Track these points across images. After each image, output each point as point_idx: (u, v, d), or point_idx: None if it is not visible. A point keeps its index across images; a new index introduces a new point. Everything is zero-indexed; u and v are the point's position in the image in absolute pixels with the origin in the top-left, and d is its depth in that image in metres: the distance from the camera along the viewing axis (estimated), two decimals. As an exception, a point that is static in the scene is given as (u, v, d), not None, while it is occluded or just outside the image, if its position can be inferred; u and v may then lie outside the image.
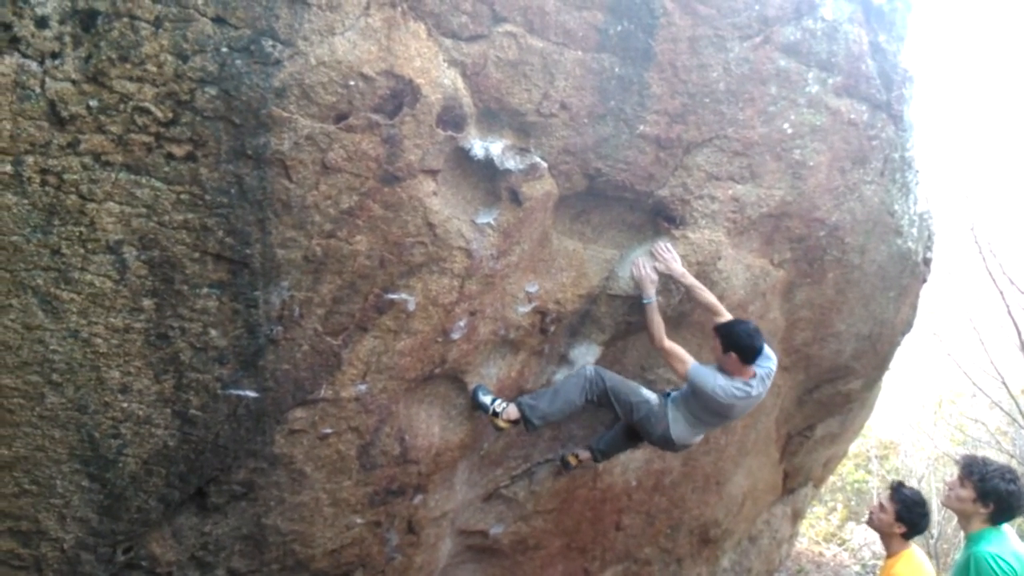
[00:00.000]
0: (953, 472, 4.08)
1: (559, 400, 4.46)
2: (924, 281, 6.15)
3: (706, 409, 4.43)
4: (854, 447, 12.91)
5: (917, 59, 4.97)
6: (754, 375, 4.39)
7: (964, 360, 12.69)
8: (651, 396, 4.56)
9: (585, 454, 5.15)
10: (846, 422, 7.34)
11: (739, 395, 4.35)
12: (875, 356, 6.30)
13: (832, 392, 6.50)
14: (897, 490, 3.87)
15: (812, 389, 6.44)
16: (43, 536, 3.61)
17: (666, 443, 4.62)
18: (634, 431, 4.81)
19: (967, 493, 3.70)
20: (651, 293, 4.43)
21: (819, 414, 6.84)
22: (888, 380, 7.83)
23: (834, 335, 5.78)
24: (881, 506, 3.90)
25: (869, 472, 15.46)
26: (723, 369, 4.37)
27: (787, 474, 7.47)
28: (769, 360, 4.48)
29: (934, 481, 14.23)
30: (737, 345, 4.27)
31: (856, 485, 15.45)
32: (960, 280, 12.03)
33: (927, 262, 6.01)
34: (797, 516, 8.55)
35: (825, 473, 8.63)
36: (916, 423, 16.17)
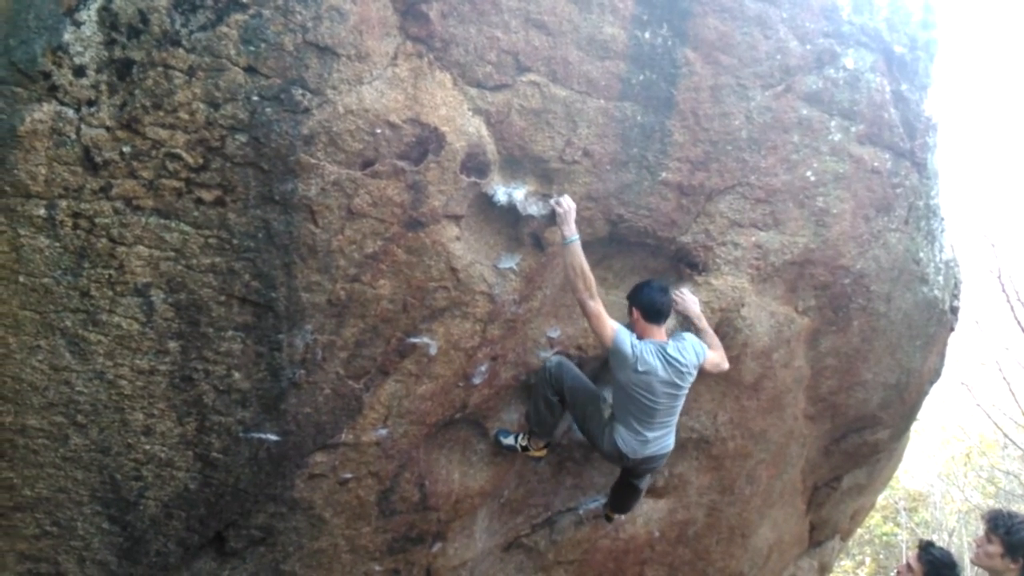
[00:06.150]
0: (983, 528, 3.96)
1: (540, 404, 4.27)
2: (951, 330, 6.06)
3: (629, 387, 3.98)
4: (882, 499, 12.66)
5: (941, 107, 4.95)
6: (667, 341, 4.05)
7: (994, 410, 12.45)
8: (606, 411, 4.24)
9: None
10: (873, 473, 7.19)
11: (655, 359, 3.93)
12: (902, 406, 6.18)
13: (859, 442, 6.37)
14: (925, 550, 3.74)
15: (839, 439, 6.32)
16: (62, 579, 3.60)
17: (619, 458, 4.22)
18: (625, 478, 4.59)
19: (995, 548, 3.58)
20: (571, 234, 3.79)
21: (846, 465, 6.70)
22: (916, 430, 7.68)
23: (860, 384, 5.69)
24: (909, 567, 3.77)
25: (898, 525, 15.12)
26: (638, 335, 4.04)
27: (813, 526, 7.30)
28: (688, 343, 4.12)
29: (965, 535, 13.87)
30: (639, 301, 4.02)
31: (884, 538, 15.10)
32: (988, 329, 11.85)
33: (954, 310, 5.92)
34: (824, 570, 8.32)
35: (852, 525, 8.42)
36: (946, 475, 15.81)
